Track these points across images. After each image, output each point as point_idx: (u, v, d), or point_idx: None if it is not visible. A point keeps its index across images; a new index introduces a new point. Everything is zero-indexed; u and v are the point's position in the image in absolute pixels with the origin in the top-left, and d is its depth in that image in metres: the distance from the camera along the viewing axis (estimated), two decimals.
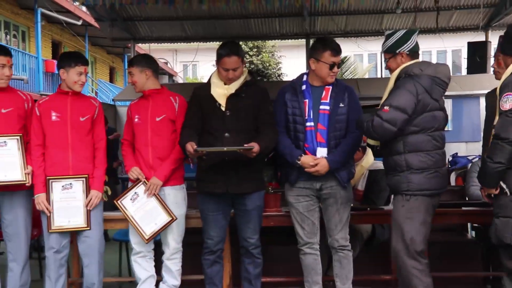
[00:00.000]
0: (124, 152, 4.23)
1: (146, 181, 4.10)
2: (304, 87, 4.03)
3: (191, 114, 4.05)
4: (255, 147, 3.76)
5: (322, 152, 3.93)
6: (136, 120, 4.15)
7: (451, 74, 3.81)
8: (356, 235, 4.67)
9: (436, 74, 3.70)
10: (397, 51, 3.79)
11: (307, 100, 3.98)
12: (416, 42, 3.82)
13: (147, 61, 4.22)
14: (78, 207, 4.05)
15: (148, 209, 4.11)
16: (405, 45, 3.79)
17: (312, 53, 4.02)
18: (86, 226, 4.05)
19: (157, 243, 4.30)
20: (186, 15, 9.63)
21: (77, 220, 4.04)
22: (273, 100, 4.12)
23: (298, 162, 3.92)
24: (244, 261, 4.08)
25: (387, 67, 3.91)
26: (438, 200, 3.79)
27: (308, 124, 3.95)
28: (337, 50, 3.96)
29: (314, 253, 4.05)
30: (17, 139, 4.03)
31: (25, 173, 4.02)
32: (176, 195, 4.15)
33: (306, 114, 3.95)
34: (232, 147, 3.78)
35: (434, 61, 3.76)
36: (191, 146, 3.78)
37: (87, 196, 4.05)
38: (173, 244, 4.15)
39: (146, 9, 9.25)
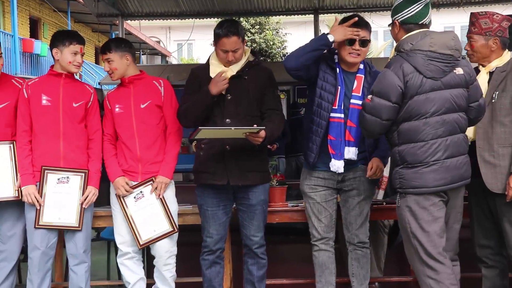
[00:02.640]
0: (107, 154, 4.15)
1: (154, 179, 4.09)
2: (338, 70, 3.93)
3: (191, 95, 4.02)
4: (262, 131, 3.77)
5: (351, 152, 3.89)
6: (117, 109, 4.13)
7: (456, 41, 3.50)
8: (379, 226, 4.70)
9: (431, 47, 3.44)
10: (393, 18, 3.64)
11: (339, 87, 3.89)
12: (417, 12, 3.56)
13: (126, 45, 4.19)
14: (72, 204, 4.05)
15: (150, 213, 4.10)
16: (401, 13, 3.58)
17: None
18: (77, 226, 4.05)
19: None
20: None
21: (68, 218, 4.04)
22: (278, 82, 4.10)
23: (332, 35, 3.78)
24: (247, 262, 4.10)
25: None
26: (456, 191, 3.59)
27: (336, 115, 3.88)
28: (356, 22, 3.85)
29: (330, 250, 4.05)
30: (10, 146, 4.04)
31: (16, 189, 4.03)
32: (167, 191, 4.15)
33: (336, 104, 3.87)
34: (240, 127, 3.75)
35: (459, 42, 3.53)
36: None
37: (83, 193, 4.07)
38: (166, 246, 4.12)
39: None
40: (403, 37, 3.55)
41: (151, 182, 4.09)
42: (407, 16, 3.58)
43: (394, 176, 3.57)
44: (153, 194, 4.09)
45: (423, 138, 3.45)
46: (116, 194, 4.10)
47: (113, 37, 18.98)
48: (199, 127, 3.70)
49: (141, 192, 4.10)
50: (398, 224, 4.84)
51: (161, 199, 4.10)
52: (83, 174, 4.07)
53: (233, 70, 3.96)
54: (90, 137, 4.14)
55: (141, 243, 4.09)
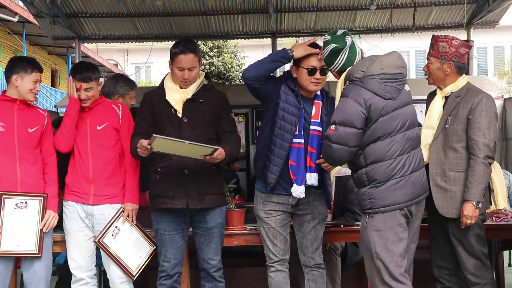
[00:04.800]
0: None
1: (122, 208, 4.09)
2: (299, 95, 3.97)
3: (142, 123, 4.02)
4: (219, 149, 3.77)
5: (313, 177, 3.91)
6: None
7: (402, 60, 3.65)
8: (331, 248, 4.72)
9: (382, 70, 3.55)
10: (328, 69, 3.80)
11: (301, 111, 3.92)
12: (346, 60, 3.67)
13: (98, 70, 4.20)
14: (31, 230, 3.98)
15: (131, 242, 4.12)
16: (332, 65, 3.73)
17: (293, 60, 3.99)
18: (37, 253, 3.97)
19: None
20: (138, 12, 9.60)
21: (27, 245, 3.96)
22: (233, 105, 4.14)
23: (291, 50, 3.87)
24: (204, 286, 4.07)
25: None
26: (417, 208, 3.67)
27: (296, 140, 3.91)
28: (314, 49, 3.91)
29: (285, 271, 4.06)
30: None
31: None
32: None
33: (297, 129, 3.91)
34: (194, 143, 3.71)
35: (412, 62, 3.65)
36: (144, 141, 3.71)
37: (42, 219, 3.99)
38: (118, 272, 4.10)
39: (92, 5, 9.18)
40: (349, 68, 3.64)
41: (121, 213, 4.09)
42: (339, 66, 3.71)
43: (362, 197, 3.59)
44: (126, 223, 4.10)
45: (391, 156, 3.53)
46: (94, 240, 4.06)
47: (70, 60, 18.83)
48: (153, 135, 3.67)
49: (116, 227, 4.08)
50: (348, 247, 4.91)
51: (136, 224, 4.11)
52: (42, 199, 4.01)
53: (189, 93, 3.98)
54: (45, 161, 4.09)
55: (134, 274, 4.10)
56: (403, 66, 3.65)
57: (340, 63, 3.69)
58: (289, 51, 3.89)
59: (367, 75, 3.54)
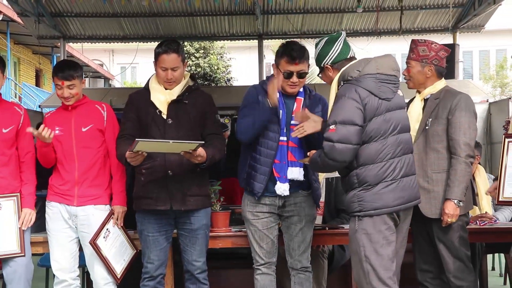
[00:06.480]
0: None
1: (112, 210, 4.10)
2: (278, 94, 3.98)
3: (127, 124, 4.01)
4: (201, 148, 3.76)
5: (294, 172, 3.93)
6: (57, 131, 4.06)
7: (396, 63, 3.67)
8: (319, 251, 4.73)
9: (378, 70, 3.55)
10: (322, 65, 3.76)
11: (281, 111, 3.96)
12: (342, 49, 3.69)
13: (81, 68, 4.17)
14: (9, 230, 3.94)
15: (118, 245, 4.12)
16: (328, 56, 3.71)
17: (275, 58, 4.01)
18: (20, 252, 3.95)
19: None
20: (124, 12, 9.59)
21: (8, 246, 3.93)
22: (219, 107, 4.13)
23: (268, 101, 3.88)
24: None
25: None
26: (406, 213, 3.66)
27: (281, 138, 3.94)
28: (293, 57, 3.91)
29: (272, 274, 4.07)
30: None
31: None
32: (102, 217, 4.10)
33: (280, 128, 3.94)
34: (178, 141, 3.72)
35: (399, 65, 3.68)
36: (128, 154, 3.73)
37: (19, 217, 3.96)
38: (102, 273, 4.09)
39: (77, 4, 9.14)
40: (346, 67, 3.62)
41: (112, 215, 4.09)
42: (334, 56, 3.69)
43: (351, 199, 3.57)
44: (115, 226, 4.10)
45: (383, 158, 3.51)
46: (89, 242, 4.03)
47: (55, 59, 18.73)
48: (136, 139, 3.66)
49: (107, 229, 4.08)
50: (335, 250, 4.91)
51: (122, 227, 4.12)
52: (15, 198, 3.97)
53: (174, 94, 3.98)
54: (22, 159, 4.05)
55: (118, 277, 4.09)
56: (398, 69, 3.65)
57: (334, 53, 3.68)
58: (267, 105, 3.87)
59: (363, 74, 3.53)
